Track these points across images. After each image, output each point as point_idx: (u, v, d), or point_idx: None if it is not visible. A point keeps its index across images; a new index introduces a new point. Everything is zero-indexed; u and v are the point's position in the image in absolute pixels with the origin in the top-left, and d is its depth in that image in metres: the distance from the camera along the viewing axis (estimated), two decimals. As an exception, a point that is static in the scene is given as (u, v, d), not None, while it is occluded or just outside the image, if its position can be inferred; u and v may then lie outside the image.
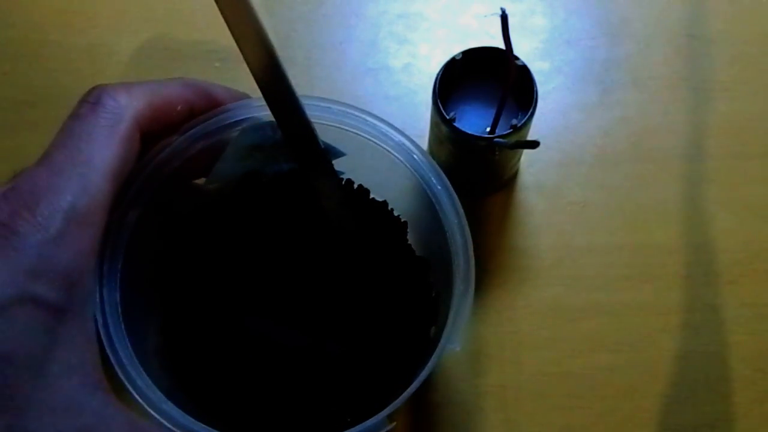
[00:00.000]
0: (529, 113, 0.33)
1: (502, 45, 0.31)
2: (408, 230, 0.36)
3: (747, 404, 0.37)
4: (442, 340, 0.28)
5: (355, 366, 0.33)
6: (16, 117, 0.42)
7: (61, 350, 0.23)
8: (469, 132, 0.33)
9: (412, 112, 0.42)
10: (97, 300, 0.27)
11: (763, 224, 0.40)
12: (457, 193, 0.40)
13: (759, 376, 0.37)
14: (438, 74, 0.34)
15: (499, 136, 0.33)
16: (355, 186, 0.35)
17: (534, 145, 0.32)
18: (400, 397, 0.27)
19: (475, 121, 0.35)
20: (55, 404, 0.23)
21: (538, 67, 0.43)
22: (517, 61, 0.33)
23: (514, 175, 0.40)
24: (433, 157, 0.39)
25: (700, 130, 0.42)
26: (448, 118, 0.33)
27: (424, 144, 0.40)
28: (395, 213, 0.36)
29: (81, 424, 0.23)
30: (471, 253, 0.29)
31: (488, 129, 0.34)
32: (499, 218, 0.40)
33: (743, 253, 0.39)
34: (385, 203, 0.36)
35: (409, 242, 0.36)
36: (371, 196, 0.36)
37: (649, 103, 0.42)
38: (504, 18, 0.29)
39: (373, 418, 0.27)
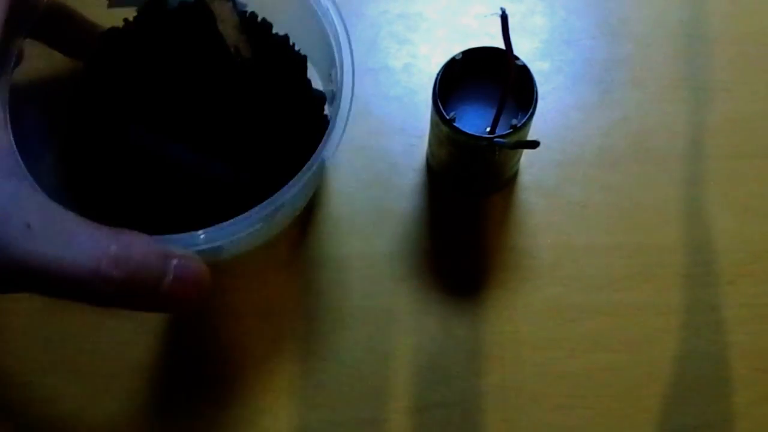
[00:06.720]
0: (529, 113, 0.33)
1: (502, 45, 0.31)
2: (309, 65, 0.37)
3: (747, 404, 0.37)
4: (316, 152, 0.30)
5: (240, 186, 0.33)
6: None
7: None
8: (469, 132, 0.33)
9: (412, 112, 0.42)
10: None
11: (763, 224, 0.40)
12: (457, 193, 0.40)
13: (759, 376, 0.37)
14: (438, 74, 0.34)
15: (499, 136, 0.33)
16: (259, 19, 0.37)
17: (534, 145, 0.32)
18: (271, 199, 0.29)
19: (475, 121, 0.35)
20: None
21: (538, 67, 0.43)
22: (517, 61, 0.33)
23: (514, 175, 0.41)
24: (433, 157, 0.40)
25: (700, 130, 0.42)
26: (448, 118, 0.33)
27: (425, 144, 0.41)
28: (296, 48, 0.37)
29: None
30: (348, 69, 0.31)
31: (488, 129, 0.34)
32: (499, 218, 0.40)
33: (743, 253, 0.39)
34: (286, 37, 0.37)
35: (308, 77, 0.37)
36: (274, 30, 0.37)
37: (649, 103, 0.42)
38: (504, 18, 0.29)
39: (244, 215, 0.28)
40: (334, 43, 0.32)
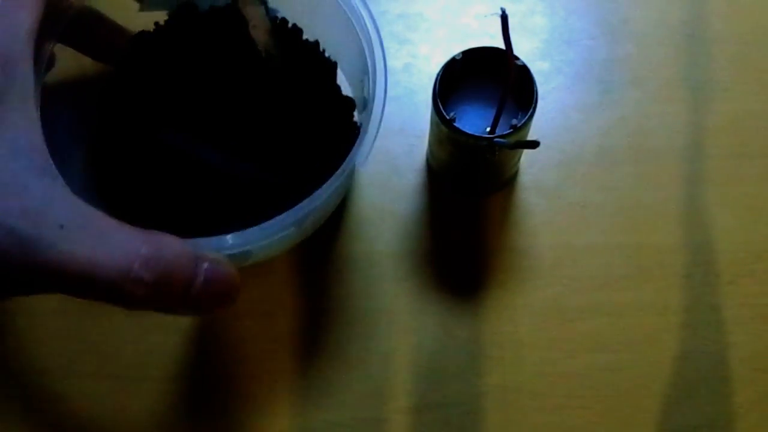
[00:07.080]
0: (529, 113, 0.33)
1: (502, 45, 0.31)
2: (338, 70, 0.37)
3: (747, 404, 0.37)
4: (349, 156, 0.29)
5: (269, 189, 0.33)
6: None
7: (6, 133, 0.23)
8: (469, 132, 0.33)
9: (412, 112, 0.42)
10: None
11: (763, 224, 0.40)
12: (457, 194, 0.40)
13: (759, 376, 0.37)
14: (438, 74, 0.34)
15: (499, 136, 0.33)
16: (290, 25, 0.37)
17: (534, 145, 0.32)
18: (304, 202, 0.28)
19: (475, 121, 0.35)
20: (1, 184, 0.23)
21: (538, 67, 0.43)
22: (517, 61, 0.33)
23: (514, 175, 0.41)
24: (433, 158, 0.40)
25: (699, 130, 0.42)
26: (448, 118, 0.33)
27: (425, 144, 0.40)
28: (327, 54, 0.37)
29: (27, 204, 0.23)
30: (381, 73, 0.31)
31: (488, 129, 0.34)
32: (499, 218, 0.40)
33: (743, 253, 0.39)
34: (316, 43, 0.37)
35: (338, 84, 0.37)
36: (304, 36, 0.37)
37: (649, 103, 0.42)
38: (504, 18, 0.29)
39: (276, 218, 0.28)
40: (366, 47, 0.32)
